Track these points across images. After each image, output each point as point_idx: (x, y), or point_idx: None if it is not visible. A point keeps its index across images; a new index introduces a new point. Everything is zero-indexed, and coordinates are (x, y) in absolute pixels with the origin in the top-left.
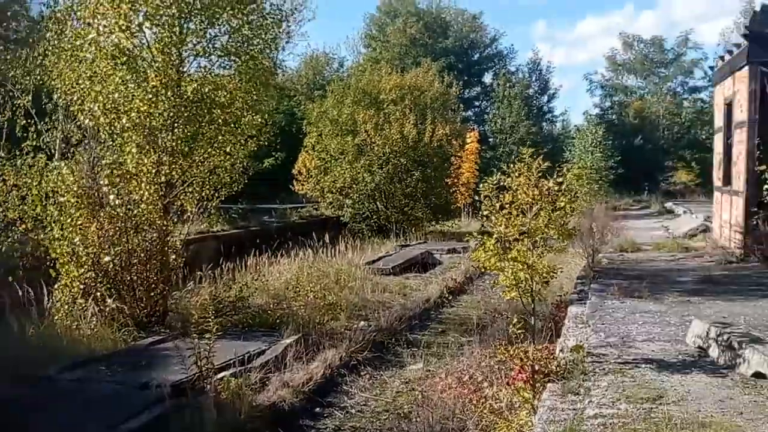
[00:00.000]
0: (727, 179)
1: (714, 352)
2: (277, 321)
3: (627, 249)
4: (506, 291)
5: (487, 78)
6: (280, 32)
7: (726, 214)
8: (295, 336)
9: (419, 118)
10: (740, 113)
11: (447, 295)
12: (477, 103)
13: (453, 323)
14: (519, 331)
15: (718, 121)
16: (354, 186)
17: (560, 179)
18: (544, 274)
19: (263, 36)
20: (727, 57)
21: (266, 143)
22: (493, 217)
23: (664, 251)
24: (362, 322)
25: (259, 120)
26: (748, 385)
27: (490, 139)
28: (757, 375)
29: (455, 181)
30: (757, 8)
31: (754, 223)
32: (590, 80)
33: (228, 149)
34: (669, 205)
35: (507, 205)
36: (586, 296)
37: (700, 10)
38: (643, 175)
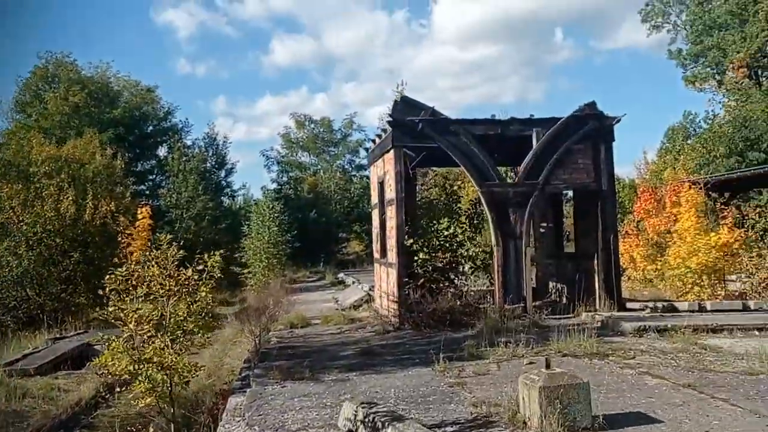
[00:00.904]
0: (384, 252)
1: None
2: None
3: (297, 325)
4: (140, 398)
5: (162, 151)
6: None
7: (384, 284)
8: None
9: (80, 193)
10: (390, 191)
11: (104, 393)
12: (152, 177)
13: (105, 428)
14: None
15: (374, 198)
16: None
17: (200, 267)
18: (185, 374)
19: None
20: (378, 140)
21: None
22: (122, 314)
23: (331, 324)
24: None
25: None
26: None
27: (168, 215)
28: None
29: (125, 261)
30: (398, 98)
31: (406, 292)
32: (267, 156)
33: None
34: (341, 276)
35: (141, 299)
36: (249, 383)
37: (365, 96)
38: (319, 247)
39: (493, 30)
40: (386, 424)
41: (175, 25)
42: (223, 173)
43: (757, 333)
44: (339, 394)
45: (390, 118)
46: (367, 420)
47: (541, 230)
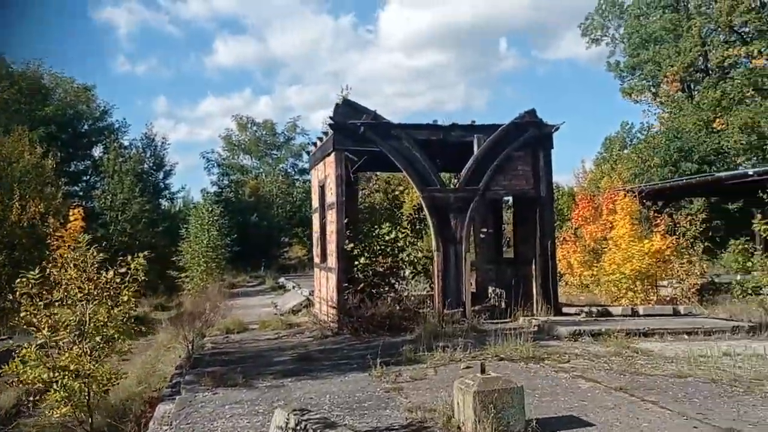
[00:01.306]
0: (324, 256)
1: None
2: None
3: (234, 330)
4: (56, 407)
5: (97, 151)
6: None
7: (324, 289)
8: None
9: (6, 193)
10: (331, 195)
11: (26, 401)
12: (86, 178)
13: None
14: None
15: (315, 202)
16: None
17: (123, 269)
18: (104, 382)
19: None
20: (319, 143)
21: None
22: (35, 320)
23: (269, 329)
24: None
25: None
26: None
27: (102, 217)
28: None
29: (54, 264)
30: (340, 101)
31: (345, 297)
32: (207, 158)
33: None
34: (281, 280)
35: (57, 303)
36: (180, 390)
37: (309, 100)
38: (260, 252)
39: (440, 38)
40: (318, 431)
41: (114, 22)
42: (161, 175)
43: (686, 337)
44: (272, 401)
45: (331, 121)
46: (298, 427)
47: (482, 236)
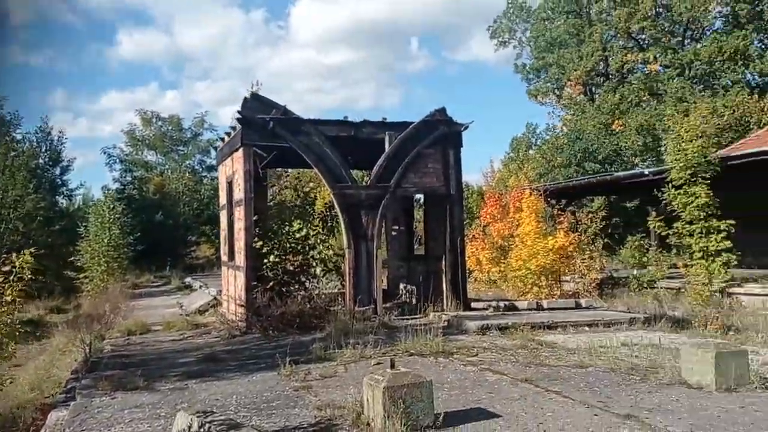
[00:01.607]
0: (232, 254)
1: None
2: None
3: (136, 331)
4: None
5: None
6: None
7: (232, 288)
8: None
9: None
10: (239, 192)
11: None
12: None
13: None
14: None
15: (223, 198)
16: None
17: (7, 268)
18: None
19: None
20: (227, 138)
21: None
22: None
23: (174, 330)
24: None
25: None
26: None
27: None
28: None
29: None
30: (248, 95)
31: (254, 296)
32: (109, 154)
33: None
34: (188, 280)
35: None
36: (75, 395)
37: (218, 95)
38: (166, 251)
39: (352, 36)
40: None
41: (5, 8)
42: (58, 171)
43: (587, 329)
44: (175, 404)
45: (239, 116)
46: (202, 430)
47: (393, 233)
